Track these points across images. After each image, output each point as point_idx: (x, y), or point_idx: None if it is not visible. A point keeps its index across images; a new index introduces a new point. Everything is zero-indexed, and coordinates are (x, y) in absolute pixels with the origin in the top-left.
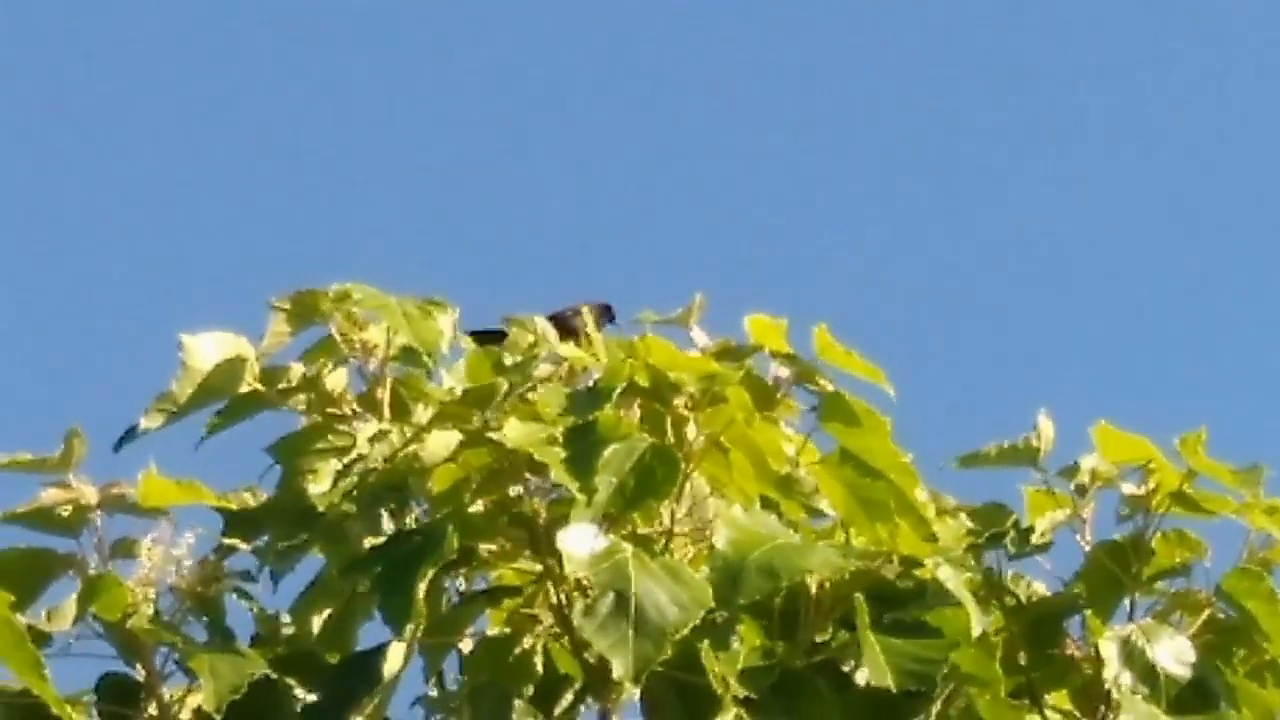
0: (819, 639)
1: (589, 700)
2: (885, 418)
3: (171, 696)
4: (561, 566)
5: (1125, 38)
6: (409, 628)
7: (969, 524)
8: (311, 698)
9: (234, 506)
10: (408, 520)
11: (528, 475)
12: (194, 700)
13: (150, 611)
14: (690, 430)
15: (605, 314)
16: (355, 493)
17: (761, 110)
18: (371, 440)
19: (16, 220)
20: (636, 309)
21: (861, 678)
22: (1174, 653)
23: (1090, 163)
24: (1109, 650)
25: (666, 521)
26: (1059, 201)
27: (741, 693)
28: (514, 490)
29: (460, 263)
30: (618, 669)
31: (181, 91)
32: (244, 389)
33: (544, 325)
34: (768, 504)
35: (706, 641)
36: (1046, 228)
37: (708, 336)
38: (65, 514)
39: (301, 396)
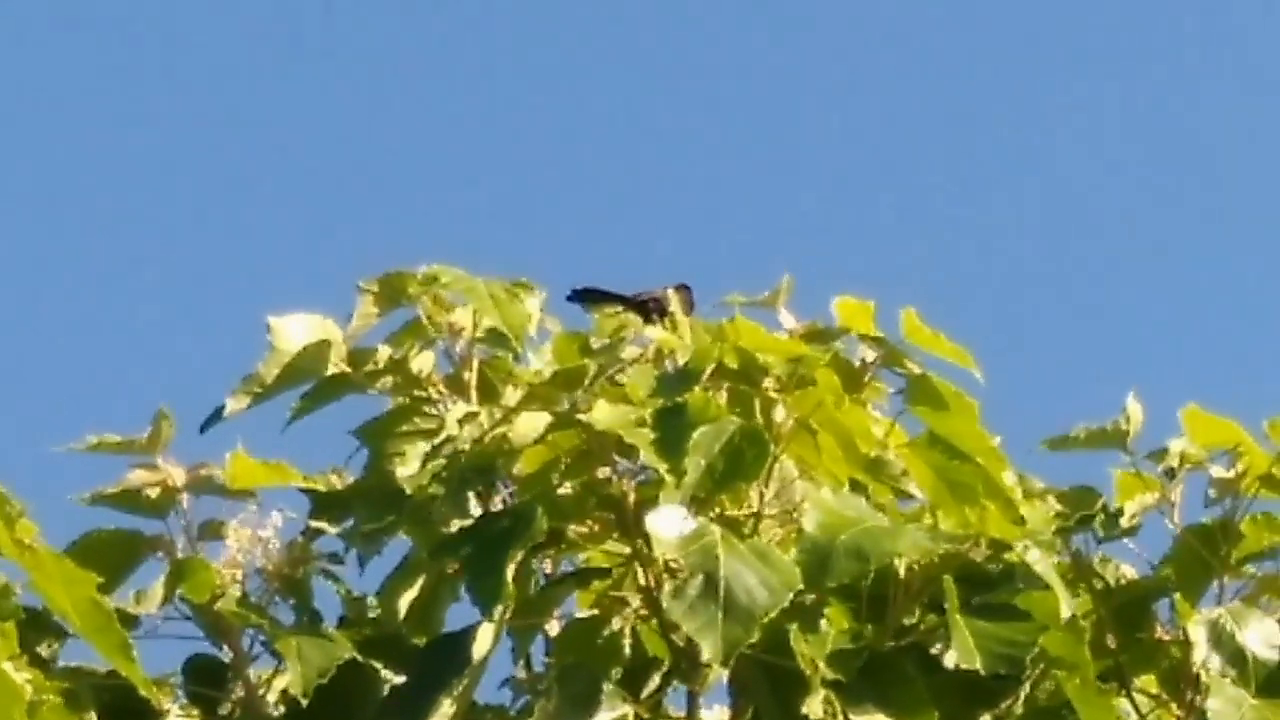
0: (907, 622)
1: (677, 682)
2: (973, 400)
3: (258, 678)
4: (650, 548)
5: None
6: (498, 609)
7: (1057, 507)
8: (399, 680)
9: (321, 488)
10: (494, 503)
11: (616, 457)
12: (281, 682)
13: (237, 593)
14: (779, 412)
15: (688, 290)
16: (444, 474)
17: (850, 88)
18: (461, 422)
19: (105, 202)
20: (723, 292)
21: (950, 661)
22: (1263, 636)
23: (1174, 145)
24: (1197, 634)
25: (755, 504)
26: (1144, 182)
27: (830, 675)
28: (602, 472)
29: (545, 246)
30: (707, 651)
31: (271, 73)
32: (331, 371)
33: (626, 310)
34: (856, 486)
35: (795, 624)
36: (1133, 211)
37: (795, 319)
38: (153, 495)
39: (388, 379)
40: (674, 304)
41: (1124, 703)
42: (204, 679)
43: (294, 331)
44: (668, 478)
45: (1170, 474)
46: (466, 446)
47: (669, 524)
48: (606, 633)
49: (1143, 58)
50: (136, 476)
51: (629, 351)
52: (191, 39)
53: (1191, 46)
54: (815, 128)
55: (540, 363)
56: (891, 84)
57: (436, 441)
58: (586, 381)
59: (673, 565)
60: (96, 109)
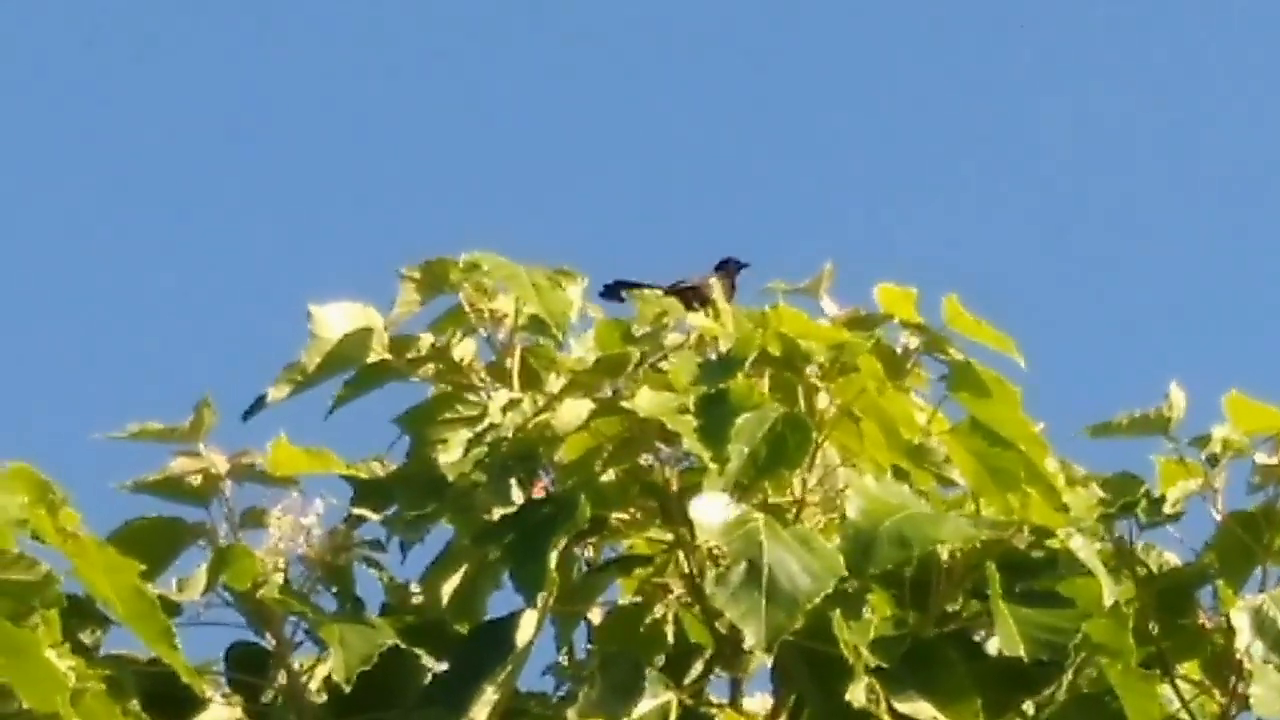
0: (950, 609)
1: (719, 669)
2: (1015, 387)
3: (301, 666)
4: (693, 535)
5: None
6: (541, 596)
7: (1100, 493)
8: (441, 667)
9: (363, 476)
10: (536, 490)
11: (659, 444)
12: (323, 670)
13: (280, 581)
14: (821, 399)
15: (728, 274)
16: (486, 462)
17: (891, 78)
18: (503, 409)
19: (149, 190)
20: (765, 278)
21: (993, 647)
22: None
23: (1220, 131)
24: (1241, 620)
25: (798, 490)
26: (1190, 168)
27: (873, 662)
28: (645, 459)
29: (589, 227)
30: (750, 638)
31: (314, 59)
32: (372, 358)
33: (668, 298)
34: (898, 473)
35: (838, 611)
36: (1176, 196)
37: (837, 306)
38: (195, 483)
39: (430, 366)
40: (716, 291)
41: (1167, 689)
42: (246, 666)
43: (335, 319)
44: (711, 465)
45: (1213, 461)
46: (509, 434)
47: (712, 511)
48: (649, 620)
49: (1189, 53)
50: (179, 464)
51: (671, 339)
52: (234, 28)
53: (1224, 45)
54: (858, 113)
55: (582, 350)
56: (936, 68)
57: (479, 429)
58: (629, 368)
59: (716, 552)
60: (137, 96)
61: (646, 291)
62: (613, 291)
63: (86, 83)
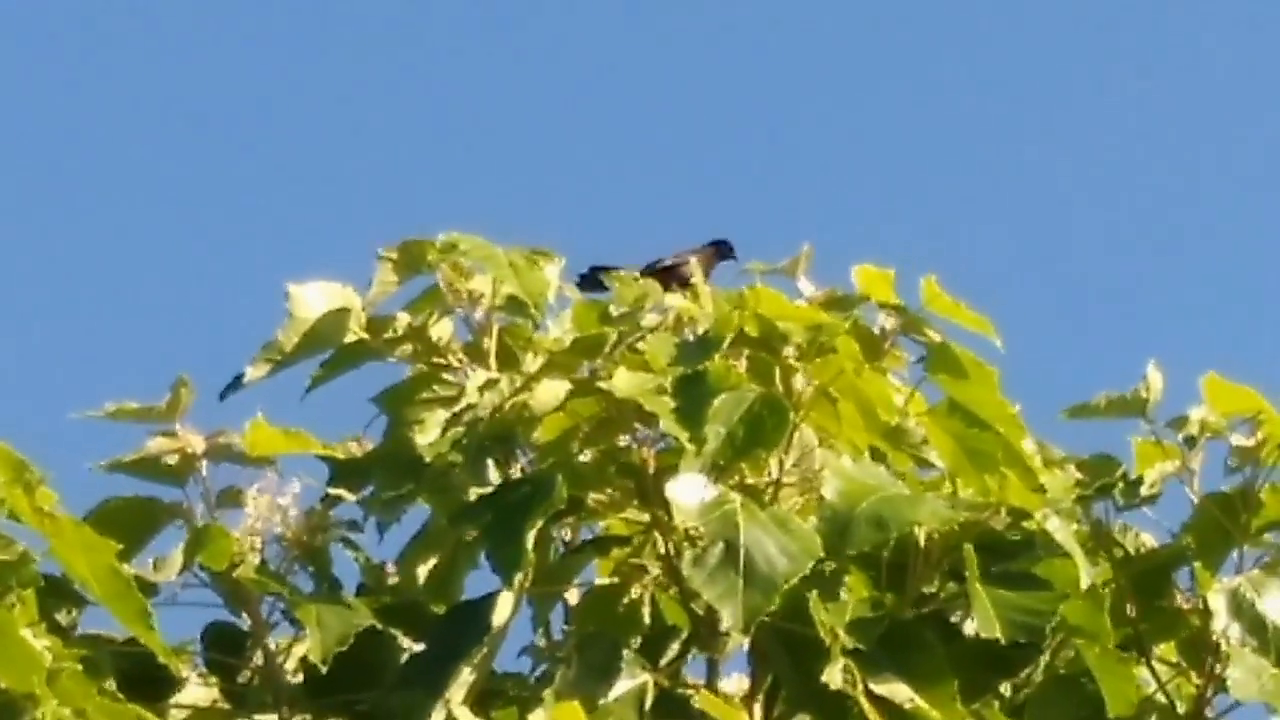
0: (927, 590)
1: (696, 650)
2: (992, 368)
3: (277, 646)
4: (670, 516)
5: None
6: (518, 577)
7: (1077, 475)
8: (418, 648)
9: (340, 456)
10: (513, 470)
11: (636, 425)
12: (300, 650)
13: (256, 561)
14: (799, 380)
15: (718, 254)
16: (463, 442)
17: (868, 61)
18: (481, 389)
19: (127, 171)
20: (744, 259)
21: (970, 629)
22: None
23: (1196, 117)
24: (1217, 602)
25: (775, 472)
26: (1167, 150)
27: (850, 643)
28: (622, 440)
29: (566, 211)
30: (726, 619)
31: (292, 41)
32: (350, 338)
33: (645, 279)
34: (876, 454)
35: (815, 592)
36: (1154, 178)
37: (815, 286)
38: (172, 463)
39: (407, 346)
40: (696, 273)
41: (1144, 671)
42: (223, 646)
43: (313, 299)
44: (688, 445)
45: (1190, 442)
46: (486, 414)
47: (689, 492)
48: (626, 601)
49: (1169, 46)
50: (156, 444)
51: (649, 319)
52: (212, 8)
53: (1212, 39)
54: (837, 96)
55: (560, 330)
56: (916, 51)
57: (456, 409)
58: (606, 349)
59: (693, 533)
60: (113, 76)
61: (624, 272)
62: (588, 281)
63: (69, 67)
